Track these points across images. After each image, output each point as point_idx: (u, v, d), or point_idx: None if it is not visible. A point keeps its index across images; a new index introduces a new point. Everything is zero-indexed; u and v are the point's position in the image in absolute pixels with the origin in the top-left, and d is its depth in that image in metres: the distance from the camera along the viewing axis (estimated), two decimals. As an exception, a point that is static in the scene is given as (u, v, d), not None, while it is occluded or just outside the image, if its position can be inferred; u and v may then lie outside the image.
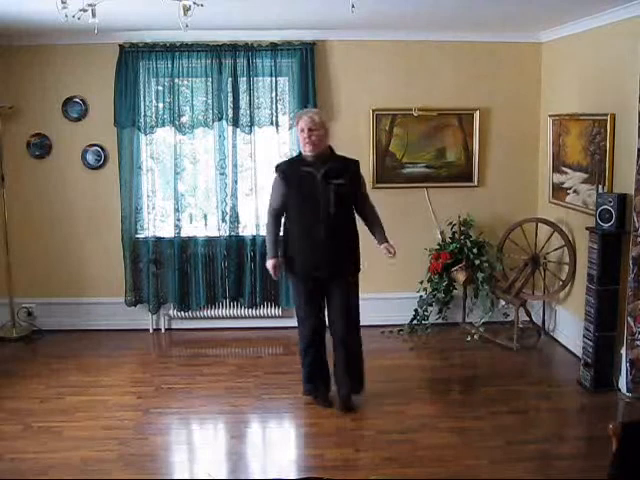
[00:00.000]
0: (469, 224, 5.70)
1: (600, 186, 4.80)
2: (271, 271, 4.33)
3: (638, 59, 4.22)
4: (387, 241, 4.27)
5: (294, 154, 5.64)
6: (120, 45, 5.49)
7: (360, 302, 4.31)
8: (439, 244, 5.77)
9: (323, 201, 4.02)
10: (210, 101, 5.59)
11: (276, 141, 5.68)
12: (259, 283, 5.78)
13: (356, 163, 4.23)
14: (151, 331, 5.89)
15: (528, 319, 5.60)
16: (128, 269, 5.76)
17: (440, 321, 5.79)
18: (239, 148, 5.66)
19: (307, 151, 4.10)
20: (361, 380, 4.34)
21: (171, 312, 5.88)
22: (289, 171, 4.18)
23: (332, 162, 4.11)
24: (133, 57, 5.51)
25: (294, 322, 5.72)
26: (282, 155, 5.53)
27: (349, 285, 4.22)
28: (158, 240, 5.77)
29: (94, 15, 3.14)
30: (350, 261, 4.23)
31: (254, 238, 5.74)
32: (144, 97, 5.58)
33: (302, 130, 4.07)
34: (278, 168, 4.25)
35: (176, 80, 5.55)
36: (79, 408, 4.33)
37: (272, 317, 5.89)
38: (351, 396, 4.29)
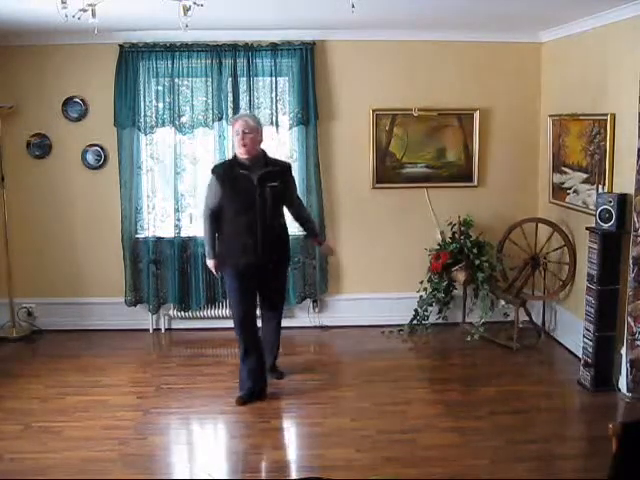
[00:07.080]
0: (469, 224, 5.69)
1: (600, 186, 4.80)
2: (213, 270, 4.59)
3: (638, 59, 4.22)
4: (321, 238, 4.66)
5: (294, 154, 5.67)
6: (120, 45, 5.49)
7: (360, 302, 5.51)
8: (439, 244, 5.77)
9: (260, 202, 4.24)
10: (210, 101, 5.59)
11: (276, 141, 5.66)
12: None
13: (289, 167, 4.58)
14: (151, 331, 5.89)
15: (528, 319, 5.60)
16: (128, 269, 5.75)
17: (440, 321, 5.79)
18: (239, 148, 5.66)
19: (240, 153, 4.28)
20: None
21: (171, 312, 5.88)
22: (225, 174, 4.34)
23: (267, 166, 4.33)
24: (133, 57, 5.51)
25: (295, 322, 5.81)
26: (282, 155, 5.51)
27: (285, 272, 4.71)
28: (158, 240, 5.76)
29: (94, 15, 3.13)
30: (285, 251, 4.59)
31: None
32: (144, 97, 5.58)
33: (237, 133, 4.25)
34: (214, 170, 4.44)
35: (176, 80, 5.55)
36: (79, 408, 4.33)
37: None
38: None
